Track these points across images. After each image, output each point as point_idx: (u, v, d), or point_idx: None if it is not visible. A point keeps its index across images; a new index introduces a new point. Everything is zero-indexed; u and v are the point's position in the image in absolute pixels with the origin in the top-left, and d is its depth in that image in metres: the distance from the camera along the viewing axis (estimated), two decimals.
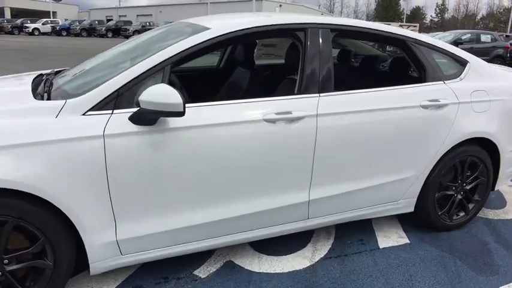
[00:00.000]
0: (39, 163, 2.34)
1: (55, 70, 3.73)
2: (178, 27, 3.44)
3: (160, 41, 3.18)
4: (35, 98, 2.67)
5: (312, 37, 3.18)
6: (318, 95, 3.11)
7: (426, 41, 3.68)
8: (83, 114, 2.49)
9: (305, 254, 3.45)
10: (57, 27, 48.43)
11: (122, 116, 2.55)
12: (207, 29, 2.93)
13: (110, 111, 2.54)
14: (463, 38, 20.85)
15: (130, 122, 2.54)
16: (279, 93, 3.35)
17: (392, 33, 3.55)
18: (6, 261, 2.42)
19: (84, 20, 56.51)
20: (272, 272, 3.19)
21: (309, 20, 3.23)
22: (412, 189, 3.64)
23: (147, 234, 2.73)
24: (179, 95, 2.45)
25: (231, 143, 2.81)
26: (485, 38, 21.65)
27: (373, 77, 4.18)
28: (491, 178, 3.98)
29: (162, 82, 2.65)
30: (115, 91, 2.57)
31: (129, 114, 2.55)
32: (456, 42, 18.88)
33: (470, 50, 4.00)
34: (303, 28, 3.19)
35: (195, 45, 2.80)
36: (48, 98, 2.68)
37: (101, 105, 2.53)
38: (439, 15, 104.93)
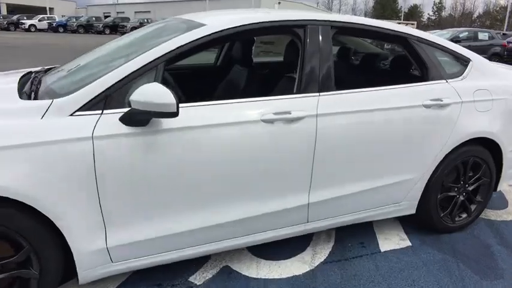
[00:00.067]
0: (23, 167, 2.21)
1: (45, 68, 3.61)
2: (173, 23, 3.32)
3: (154, 37, 3.06)
4: (21, 97, 2.55)
5: (311, 34, 3.07)
6: (317, 94, 3.00)
7: (428, 39, 3.58)
8: (71, 115, 2.36)
9: (304, 258, 3.34)
10: (54, 24, 48.11)
11: (112, 117, 2.42)
12: (203, 25, 2.82)
13: (100, 112, 2.42)
14: (460, 36, 20.91)
15: (121, 123, 2.42)
16: (277, 92, 3.25)
17: (394, 30, 3.44)
18: None
19: (82, 16, 56.24)
20: (270, 277, 3.08)
21: (309, 17, 3.11)
22: (414, 190, 3.54)
23: (139, 240, 2.61)
24: (172, 95, 2.33)
25: (228, 144, 2.69)
26: (483, 36, 21.74)
27: (374, 76, 4.07)
28: (493, 178, 3.89)
29: (155, 81, 2.53)
30: (105, 90, 2.44)
31: (120, 114, 2.43)
32: (454, 40, 18.87)
33: (467, 48, 3.89)
34: (302, 25, 3.08)
35: (189, 43, 2.68)
36: (36, 98, 2.56)
37: (89, 105, 2.40)
38: (436, 13, 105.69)
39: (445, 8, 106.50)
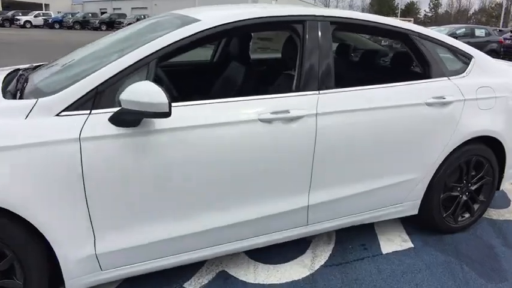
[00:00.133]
0: (5, 171, 2.08)
1: (34, 65, 3.48)
2: (167, 19, 3.19)
3: (146, 33, 2.93)
4: (4, 96, 2.42)
5: (310, 30, 2.95)
6: (317, 92, 2.89)
7: (430, 35, 3.48)
8: (57, 115, 2.23)
9: (304, 261, 3.24)
10: (50, 20, 47.72)
11: (101, 117, 2.30)
12: (197, 21, 2.70)
13: (88, 112, 2.29)
14: (457, 32, 20.91)
15: (110, 124, 2.29)
16: (275, 89, 3.14)
17: (394, 26, 3.33)
18: None
19: (78, 12, 55.93)
20: (269, 283, 2.97)
21: (308, 12, 3.00)
22: (417, 190, 3.44)
23: (130, 246, 2.48)
24: (164, 94, 2.21)
25: (224, 145, 2.58)
26: (480, 32, 21.80)
27: (374, 73, 3.97)
28: (496, 177, 3.80)
29: (146, 79, 2.41)
30: (93, 89, 2.32)
31: (110, 114, 2.30)
32: (451, 37, 18.89)
33: None
34: (301, 20, 2.96)
35: (182, 39, 2.56)
36: (21, 97, 2.43)
37: (77, 105, 2.28)
38: (432, 10, 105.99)
39: (441, 4, 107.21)
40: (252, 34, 4.37)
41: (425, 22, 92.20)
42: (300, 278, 3.04)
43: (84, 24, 47.64)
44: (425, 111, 3.23)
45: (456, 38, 19.80)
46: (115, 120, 2.29)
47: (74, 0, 79.01)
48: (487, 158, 3.64)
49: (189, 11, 3.16)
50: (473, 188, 3.71)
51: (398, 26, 3.34)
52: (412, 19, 45.66)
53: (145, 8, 64.54)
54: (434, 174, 3.44)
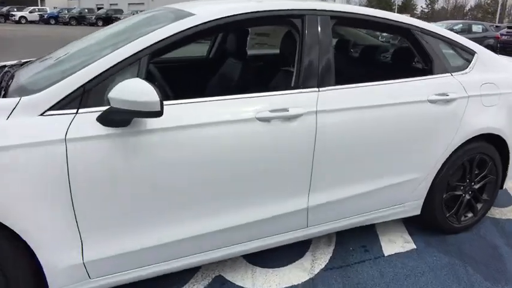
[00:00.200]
0: None
1: (22, 61, 3.34)
2: (161, 13, 3.05)
3: (139, 28, 2.78)
4: None
5: (310, 25, 2.83)
6: (317, 89, 2.77)
7: (432, 30, 3.36)
8: (41, 115, 2.10)
9: (304, 264, 3.12)
10: (45, 16, 47.36)
11: (88, 117, 2.17)
12: (192, 15, 2.57)
13: (74, 111, 2.16)
14: (455, 28, 20.95)
15: (98, 124, 2.16)
16: (273, 87, 3.03)
17: (396, 21, 3.21)
18: None
19: (74, 8, 55.57)
20: None
21: (307, 6, 2.87)
22: (419, 190, 3.33)
23: (120, 253, 2.36)
24: (156, 92, 2.08)
25: (219, 146, 2.45)
26: (477, 28, 21.86)
27: (375, 69, 3.85)
28: (500, 176, 3.69)
29: (137, 76, 2.29)
30: (81, 86, 2.18)
31: (98, 114, 2.18)
32: None
33: None
34: (299, 15, 2.84)
35: (175, 34, 2.43)
36: (5, 95, 2.30)
37: (63, 104, 2.14)
38: (429, 6, 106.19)
39: (437, 0, 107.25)
40: (249, 29, 4.24)
41: (422, 18, 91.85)
42: (300, 282, 2.93)
43: (80, 19, 47.29)
44: (428, 109, 3.12)
45: None
46: (103, 120, 2.16)
47: None
48: (491, 156, 3.54)
49: (185, 5, 3.02)
50: (476, 187, 3.61)
51: (400, 20, 3.22)
52: (409, 15, 45.80)
53: (142, 3, 64.23)
54: (437, 173, 3.33)
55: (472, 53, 3.52)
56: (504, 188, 3.84)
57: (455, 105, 3.23)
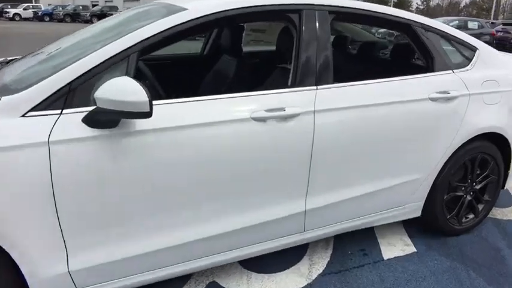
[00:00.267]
0: None
1: (8, 59, 3.21)
2: (153, 8, 2.91)
3: (129, 24, 2.65)
4: None
5: (307, 20, 2.71)
6: (315, 87, 2.65)
7: (433, 26, 3.25)
8: (23, 116, 1.97)
9: (301, 269, 3.01)
10: (39, 13, 46.91)
11: (73, 117, 2.04)
12: (184, 9, 2.45)
13: (59, 111, 2.03)
14: (450, 24, 20.96)
15: (84, 125, 2.04)
16: (269, 85, 2.92)
17: (396, 16, 3.10)
18: None
19: (68, 5, 55.24)
20: None
21: (304, 1, 2.74)
22: (420, 191, 3.23)
23: (108, 261, 2.23)
24: (144, 91, 1.95)
25: (213, 147, 2.33)
26: (473, 25, 21.90)
27: (374, 66, 3.74)
28: (502, 176, 3.59)
29: (126, 74, 2.16)
30: (66, 85, 2.06)
31: (84, 114, 2.05)
32: None
33: None
34: (297, 10, 2.72)
35: (166, 30, 2.30)
36: None
37: (46, 104, 2.01)
38: (424, 2, 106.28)
39: None
40: (245, 25, 4.12)
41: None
42: None
43: (74, 16, 46.89)
44: (429, 107, 3.01)
45: None
46: (89, 120, 2.04)
47: None
48: (492, 155, 3.44)
49: None
50: (478, 187, 3.51)
51: (401, 16, 3.11)
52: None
53: (138, 0, 64.01)
54: (438, 173, 3.23)
55: (473, 49, 3.41)
56: (505, 188, 3.75)
57: (457, 103, 3.12)
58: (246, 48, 4.35)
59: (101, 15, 45.94)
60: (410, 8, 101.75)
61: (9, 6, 46.74)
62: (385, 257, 3.21)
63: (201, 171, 2.33)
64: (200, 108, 2.33)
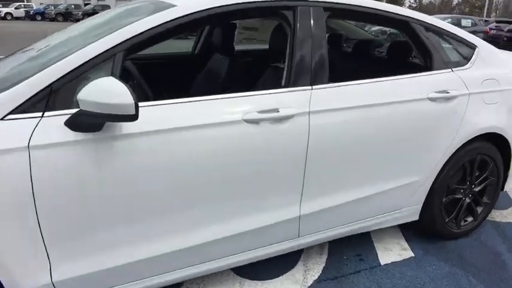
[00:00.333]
0: None
1: None
2: (142, 5, 2.79)
3: (116, 21, 2.52)
4: None
5: (302, 17, 2.59)
6: (310, 87, 2.54)
7: (432, 23, 3.14)
8: (1, 119, 1.85)
9: (295, 276, 2.91)
10: (31, 12, 46.64)
11: (55, 121, 1.92)
12: (172, 6, 2.34)
13: (40, 114, 1.92)
14: None
15: (67, 128, 1.92)
16: (262, 85, 2.80)
17: (393, 13, 2.98)
18: None
19: (60, 4, 54.93)
20: None
21: None
22: (418, 194, 3.13)
23: (94, 271, 2.12)
24: (130, 93, 1.84)
25: (203, 151, 2.22)
26: (466, 22, 21.89)
27: (370, 65, 3.63)
28: (501, 177, 3.50)
29: (112, 74, 2.05)
30: (47, 87, 1.94)
31: (67, 117, 1.93)
32: None
33: None
34: (291, 6, 2.60)
35: (153, 28, 2.19)
36: None
37: (26, 106, 1.90)
38: (417, 0, 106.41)
39: None
40: (237, 23, 4.01)
41: None
42: None
43: (66, 16, 46.52)
44: (428, 107, 2.91)
45: None
46: (72, 124, 1.92)
47: None
48: (492, 156, 3.35)
49: None
50: (477, 189, 3.42)
51: (399, 12, 3.00)
52: None
53: None
54: (436, 176, 3.13)
55: (472, 47, 3.31)
56: (504, 189, 3.66)
57: (456, 103, 3.02)
58: (238, 47, 4.24)
59: (93, 14, 45.34)
60: (403, 6, 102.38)
61: (0, 5, 46.42)
62: (382, 262, 3.12)
63: (191, 176, 2.22)
64: (190, 110, 2.22)
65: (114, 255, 2.16)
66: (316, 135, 2.50)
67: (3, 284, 1.92)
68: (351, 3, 2.80)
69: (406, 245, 3.35)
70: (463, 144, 3.12)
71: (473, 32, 17.23)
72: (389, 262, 3.12)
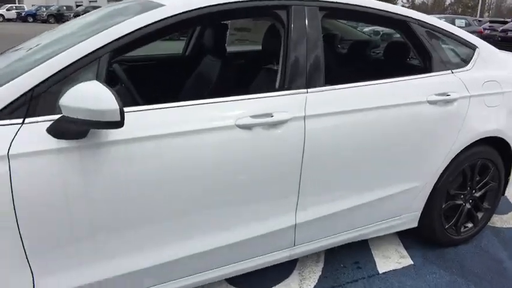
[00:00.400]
0: None
1: None
2: (130, 4, 2.68)
3: (102, 22, 2.40)
4: None
5: (296, 17, 2.49)
6: (305, 90, 2.43)
7: (431, 23, 3.04)
8: None
9: (290, 285, 2.80)
10: (23, 13, 46.41)
11: (37, 127, 1.81)
12: (161, 6, 2.22)
13: (20, 121, 1.80)
14: None
15: (49, 136, 1.80)
16: (255, 88, 2.70)
17: (392, 12, 2.88)
18: None
19: (52, 5, 54.68)
20: None
21: None
22: (417, 201, 3.03)
23: (80, 285, 2.01)
24: (115, 98, 1.73)
25: (194, 158, 2.11)
26: (460, 22, 21.87)
27: (367, 67, 3.53)
28: (502, 182, 3.40)
29: (97, 78, 1.94)
30: (28, 91, 1.82)
31: (49, 124, 1.82)
32: None
33: None
34: (285, 5, 2.49)
35: (139, 29, 2.08)
36: None
37: (6, 113, 1.78)
38: (409, 0, 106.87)
39: None
40: (228, 23, 3.90)
41: None
42: None
43: (58, 17, 46.27)
44: (428, 111, 2.81)
45: None
46: (55, 131, 1.80)
47: None
48: (493, 161, 3.25)
49: None
50: (477, 194, 3.32)
51: (397, 12, 2.89)
52: None
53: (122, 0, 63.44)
54: (436, 181, 3.03)
55: (473, 47, 3.21)
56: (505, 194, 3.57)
57: (457, 106, 2.92)
58: (230, 48, 4.13)
59: None
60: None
61: None
62: (380, 270, 3.02)
63: (181, 185, 2.11)
64: (180, 116, 2.11)
65: (101, 268, 2.05)
66: (312, 140, 2.39)
67: None
68: (348, 2, 2.69)
69: (404, 252, 3.24)
70: (464, 148, 3.02)
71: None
72: (387, 270, 3.01)
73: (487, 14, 75.13)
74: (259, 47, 3.00)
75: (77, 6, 55.78)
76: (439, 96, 2.84)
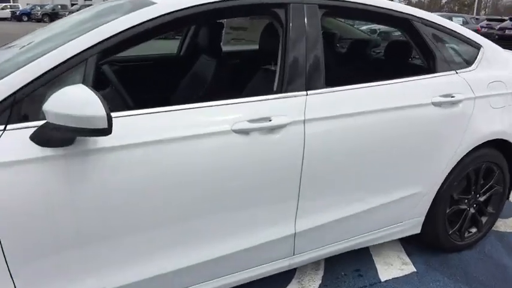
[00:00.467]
0: None
1: None
2: (120, 3, 2.55)
3: (91, 21, 2.28)
4: None
5: (295, 15, 2.37)
6: (305, 92, 2.32)
7: (435, 21, 2.93)
8: None
9: None
10: (17, 12, 46.24)
11: (20, 134, 1.70)
12: (152, 4, 2.11)
13: (1, 128, 1.69)
14: None
15: (33, 143, 1.69)
16: (252, 89, 2.59)
17: (394, 10, 2.76)
18: None
19: (47, 4, 54.48)
20: None
21: None
22: (420, 206, 2.93)
23: None
24: (102, 104, 1.61)
25: (188, 165, 1.99)
26: (457, 20, 21.82)
27: (368, 67, 3.42)
28: (507, 186, 3.30)
29: (84, 81, 1.82)
30: (10, 96, 1.71)
31: (33, 131, 1.70)
32: None
33: None
34: (283, 3, 2.37)
35: (130, 28, 1.96)
36: None
37: None
38: None
39: None
40: (224, 22, 3.79)
41: None
42: None
43: (53, 16, 45.91)
44: (432, 113, 2.70)
45: None
46: (38, 138, 1.69)
47: None
48: (498, 164, 3.15)
49: None
50: (481, 199, 3.22)
51: (399, 10, 2.78)
52: None
53: None
54: (440, 186, 2.92)
55: (477, 47, 3.10)
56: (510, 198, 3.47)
57: (462, 108, 2.82)
58: (226, 48, 4.02)
59: None
60: None
61: None
62: (382, 278, 2.91)
63: (175, 193, 2.00)
64: (173, 120, 1.99)
65: (88, 281, 1.94)
66: (312, 145, 2.28)
67: None
68: None
69: (407, 258, 3.14)
70: (469, 151, 2.92)
71: None
72: (390, 278, 2.91)
73: (483, 11, 75.31)
74: (256, 47, 2.89)
75: (72, 5, 55.62)
76: (444, 97, 2.73)
